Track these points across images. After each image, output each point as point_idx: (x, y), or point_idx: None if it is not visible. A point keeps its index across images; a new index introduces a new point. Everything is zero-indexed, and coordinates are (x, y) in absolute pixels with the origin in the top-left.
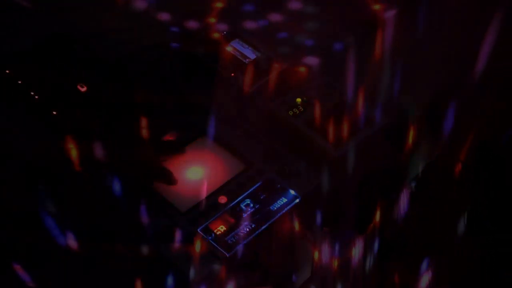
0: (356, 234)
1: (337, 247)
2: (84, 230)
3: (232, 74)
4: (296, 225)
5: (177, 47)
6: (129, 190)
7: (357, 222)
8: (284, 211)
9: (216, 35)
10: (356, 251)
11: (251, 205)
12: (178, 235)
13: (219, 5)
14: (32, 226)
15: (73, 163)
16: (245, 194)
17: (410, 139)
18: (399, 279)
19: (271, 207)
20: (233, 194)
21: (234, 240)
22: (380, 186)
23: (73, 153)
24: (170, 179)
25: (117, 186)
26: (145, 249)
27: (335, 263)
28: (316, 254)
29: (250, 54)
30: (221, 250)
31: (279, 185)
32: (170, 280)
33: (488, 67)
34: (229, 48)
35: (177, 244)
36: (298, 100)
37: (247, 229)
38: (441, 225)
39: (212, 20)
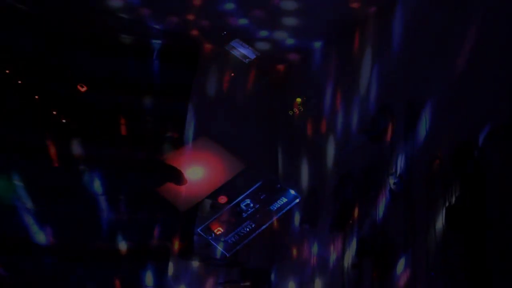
0: (335, 231)
1: (316, 244)
2: (64, 227)
3: (232, 74)
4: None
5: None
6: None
7: (336, 220)
8: (284, 211)
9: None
10: (335, 248)
11: (251, 205)
12: (158, 231)
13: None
14: (12, 222)
15: (54, 159)
16: (245, 194)
17: (389, 137)
18: (376, 275)
19: (271, 207)
20: (233, 194)
21: (234, 240)
22: (359, 184)
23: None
24: (180, 179)
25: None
26: (125, 246)
27: (314, 260)
28: (295, 251)
29: (250, 54)
30: (221, 250)
31: (279, 185)
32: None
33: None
34: (229, 48)
35: (156, 241)
36: (298, 100)
37: (247, 229)
38: (419, 222)
39: (192, 17)
